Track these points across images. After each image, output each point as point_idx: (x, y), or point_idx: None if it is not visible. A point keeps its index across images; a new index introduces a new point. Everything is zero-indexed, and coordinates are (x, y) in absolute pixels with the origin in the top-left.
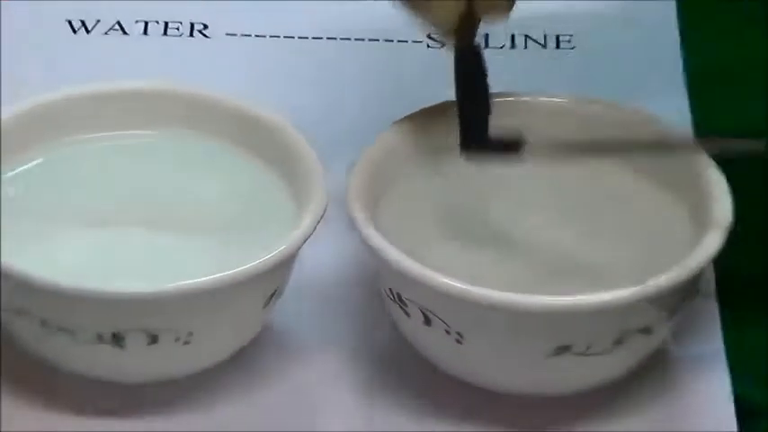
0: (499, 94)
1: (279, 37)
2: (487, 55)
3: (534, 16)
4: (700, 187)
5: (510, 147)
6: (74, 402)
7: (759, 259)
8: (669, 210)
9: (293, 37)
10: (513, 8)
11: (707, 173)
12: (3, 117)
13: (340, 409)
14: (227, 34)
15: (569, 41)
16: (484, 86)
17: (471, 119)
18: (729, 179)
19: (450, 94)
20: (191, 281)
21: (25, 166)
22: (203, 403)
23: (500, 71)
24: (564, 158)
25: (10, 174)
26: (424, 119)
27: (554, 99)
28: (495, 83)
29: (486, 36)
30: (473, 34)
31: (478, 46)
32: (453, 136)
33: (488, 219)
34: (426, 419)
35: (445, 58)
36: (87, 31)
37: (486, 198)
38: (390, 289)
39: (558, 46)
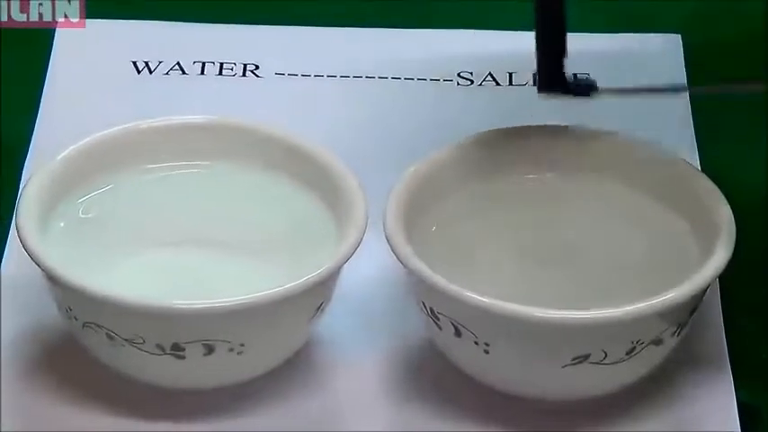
0: (526, 128)
1: (322, 76)
2: (512, 92)
3: None
4: (703, 207)
5: (582, 88)
6: (137, 407)
7: (759, 268)
8: (674, 227)
9: (335, 76)
10: None
11: (713, 199)
12: (77, 148)
13: (378, 415)
14: (276, 74)
15: (586, 79)
16: (562, 29)
17: (549, 58)
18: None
19: (478, 128)
20: (243, 297)
21: (96, 192)
22: (253, 409)
23: (525, 106)
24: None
25: (83, 199)
26: (455, 151)
27: (576, 130)
28: (519, 117)
29: (511, 75)
30: None
31: None
32: (482, 163)
33: (513, 238)
34: (455, 423)
35: (474, 97)
36: (150, 72)
37: (512, 219)
38: (424, 303)
39: None
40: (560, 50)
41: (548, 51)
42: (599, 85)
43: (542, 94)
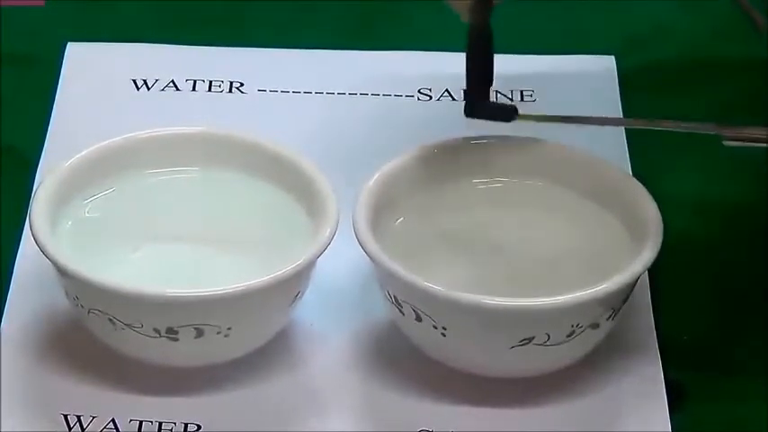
0: (477, 137)
1: (300, 93)
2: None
3: (502, 75)
4: (635, 208)
5: (504, 112)
6: (136, 382)
7: (683, 259)
8: (610, 226)
9: (311, 92)
10: None
11: (642, 199)
12: (83, 156)
13: (348, 387)
14: (259, 90)
15: (531, 95)
16: (489, 60)
17: (476, 87)
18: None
19: (435, 138)
20: (230, 286)
21: (100, 195)
22: (239, 384)
23: (477, 120)
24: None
25: (88, 200)
26: (415, 157)
27: (522, 139)
28: (473, 128)
29: (465, 91)
30: (488, 13)
31: (489, 26)
32: (439, 168)
33: (466, 234)
34: (416, 397)
35: (433, 110)
36: (148, 89)
37: (465, 218)
38: (388, 291)
39: (522, 99)
40: (487, 80)
41: (475, 80)
42: (526, 109)
43: (467, 115)
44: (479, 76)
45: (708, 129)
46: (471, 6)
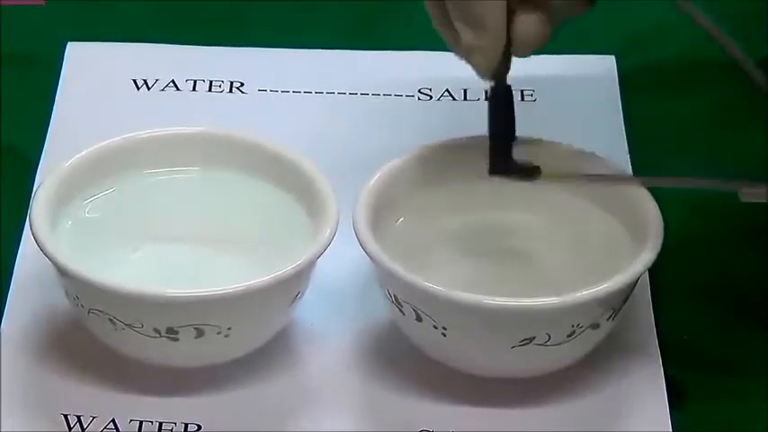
0: (477, 137)
1: (299, 92)
2: (467, 106)
3: None
4: (635, 209)
5: (528, 172)
6: (137, 382)
7: (683, 260)
8: (611, 226)
9: (311, 92)
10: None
11: (643, 200)
12: (83, 156)
13: (348, 387)
14: (259, 90)
15: (531, 95)
16: (512, 123)
17: (499, 147)
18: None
19: (436, 137)
20: (230, 287)
21: (100, 195)
22: (239, 383)
23: (477, 118)
24: (567, 183)
25: (88, 200)
26: (418, 154)
27: (524, 140)
28: (473, 128)
29: (465, 90)
30: (506, 72)
31: (509, 85)
32: (439, 168)
33: (468, 234)
34: (414, 395)
35: (433, 110)
36: (148, 88)
37: (467, 218)
38: (389, 291)
39: (522, 99)
40: (509, 140)
41: (499, 141)
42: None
43: (492, 175)
44: (503, 132)
45: (729, 186)
46: (494, 65)
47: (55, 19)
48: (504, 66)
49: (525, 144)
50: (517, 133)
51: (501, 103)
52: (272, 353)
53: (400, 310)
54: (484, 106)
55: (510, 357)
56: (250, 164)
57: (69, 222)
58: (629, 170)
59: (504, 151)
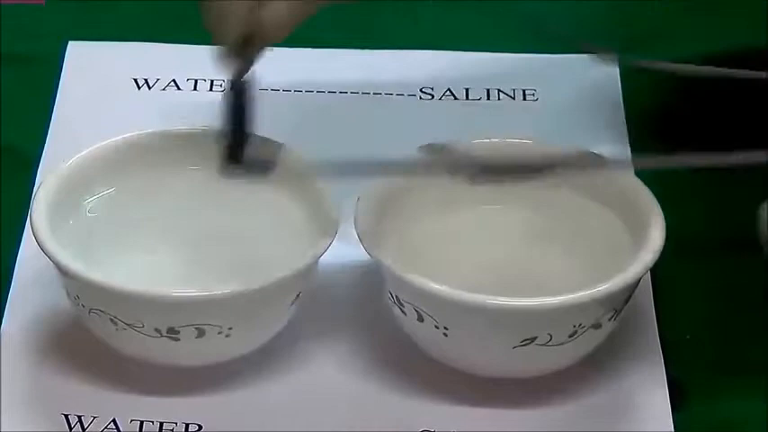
0: (478, 138)
1: (301, 91)
2: (468, 105)
3: (504, 74)
4: (637, 209)
5: (260, 169)
6: (137, 382)
7: (685, 259)
8: (612, 226)
9: (312, 91)
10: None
11: (643, 197)
12: (84, 156)
13: (348, 387)
14: (261, 90)
15: (533, 94)
16: (246, 118)
17: (232, 145)
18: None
19: (438, 137)
20: (230, 287)
21: (101, 194)
22: (239, 383)
23: (479, 118)
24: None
25: (89, 200)
26: (418, 154)
27: (520, 140)
28: (474, 129)
29: (467, 90)
30: (247, 68)
31: (247, 83)
32: (440, 168)
33: (470, 235)
34: (414, 395)
35: (435, 109)
36: (149, 88)
37: (467, 219)
38: (390, 292)
39: (524, 98)
40: (242, 138)
41: (231, 139)
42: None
43: (224, 173)
44: (235, 135)
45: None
46: (236, 52)
47: (55, 19)
48: (244, 64)
49: (525, 144)
50: (515, 133)
51: (233, 104)
52: (273, 353)
53: (402, 311)
54: (486, 106)
55: (511, 357)
56: None
57: (70, 222)
58: (631, 170)
59: (235, 149)
